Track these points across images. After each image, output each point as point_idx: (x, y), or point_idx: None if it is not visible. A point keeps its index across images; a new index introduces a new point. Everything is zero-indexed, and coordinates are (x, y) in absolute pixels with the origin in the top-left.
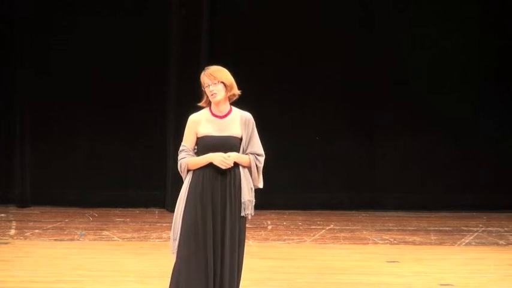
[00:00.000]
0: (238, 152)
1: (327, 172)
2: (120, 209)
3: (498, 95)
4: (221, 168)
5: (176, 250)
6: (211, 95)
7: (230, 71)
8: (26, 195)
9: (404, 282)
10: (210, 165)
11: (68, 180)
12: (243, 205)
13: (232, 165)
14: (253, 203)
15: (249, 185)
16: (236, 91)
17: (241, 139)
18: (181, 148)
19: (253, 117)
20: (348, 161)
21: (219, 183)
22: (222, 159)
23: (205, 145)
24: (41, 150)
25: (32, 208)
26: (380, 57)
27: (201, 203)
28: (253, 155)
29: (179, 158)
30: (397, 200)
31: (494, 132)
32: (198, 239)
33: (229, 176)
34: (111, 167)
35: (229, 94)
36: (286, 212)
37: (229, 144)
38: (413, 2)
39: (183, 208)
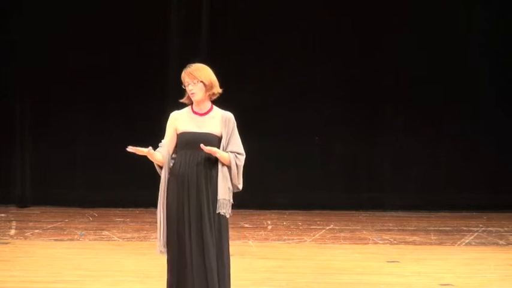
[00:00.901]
0: None
1: (327, 172)
2: (120, 209)
3: (498, 95)
4: (198, 166)
5: (165, 249)
6: (191, 94)
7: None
8: (26, 195)
9: (404, 282)
10: (187, 163)
11: (68, 180)
12: (218, 203)
13: (206, 150)
14: (231, 203)
15: (227, 184)
16: (217, 90)
17: (220, 137)
18: (160, 144)
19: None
20: (348, 161)
21: (195, 180)
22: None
23: (183, 141)
24: (41, 150)
25: (32, 208)
26: (380, 58)
27: (180, 201)
28: (233, 153)
29: None
30: (397, 200)
31: (494, 132)
32: (180, 237)
33: (206, 174)
34: (111, 167)
35: (209, 93)
36: (286, 212)
37: (207, 141)
38: (414, 3)
39: (164, 207)
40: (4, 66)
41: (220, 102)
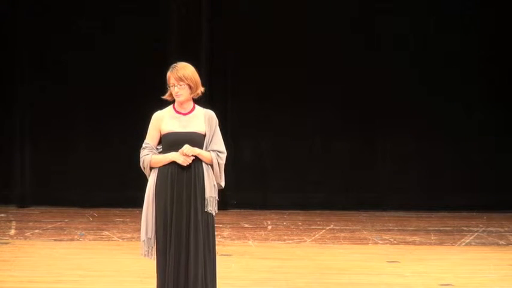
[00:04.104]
0: (201, 149)
1: (327, 172)
2: (120, 209)
3: (498, 96)
4: (186, 165)
5: (153, 250)
6: (177, 95)
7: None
8: (26, 195)
9: (404, 282)
10: (175, 162)
11: (68, 180)
12: (206, 201)
13: (191, 155)
14: (217, 200)
15: (212, 182)
16: (200, 90)
17: (204, 136)
18: (143, 145)
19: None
20: (348, 161)
21: (184, 179)
22: (185, 159)
23: (169, 141)
24: (41, 150)
25: (32, 208)
26: (380, 59)
27: (170, 200)
28: (215, 152)
29: (142, 154)
30: (397, 200)
31: (494, 133)
32: (172, 236)
33: (194, 173)
34: (111, 167)
35: (193, 94)
36: (286, 212)
37: (193, 140)
38: (412, 4)
39: (154, 207)
40: (4, 67)
41: (220, 102)
